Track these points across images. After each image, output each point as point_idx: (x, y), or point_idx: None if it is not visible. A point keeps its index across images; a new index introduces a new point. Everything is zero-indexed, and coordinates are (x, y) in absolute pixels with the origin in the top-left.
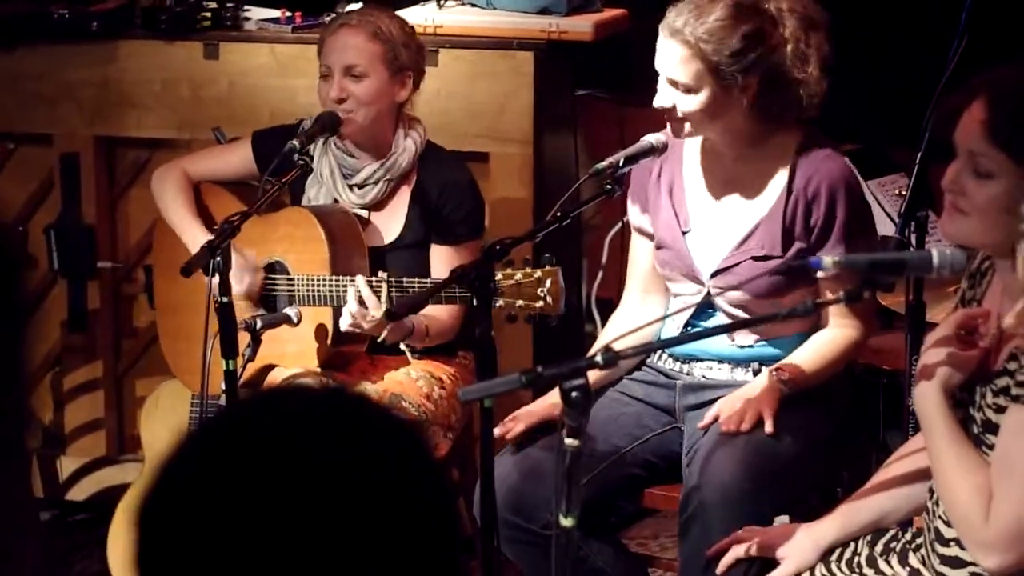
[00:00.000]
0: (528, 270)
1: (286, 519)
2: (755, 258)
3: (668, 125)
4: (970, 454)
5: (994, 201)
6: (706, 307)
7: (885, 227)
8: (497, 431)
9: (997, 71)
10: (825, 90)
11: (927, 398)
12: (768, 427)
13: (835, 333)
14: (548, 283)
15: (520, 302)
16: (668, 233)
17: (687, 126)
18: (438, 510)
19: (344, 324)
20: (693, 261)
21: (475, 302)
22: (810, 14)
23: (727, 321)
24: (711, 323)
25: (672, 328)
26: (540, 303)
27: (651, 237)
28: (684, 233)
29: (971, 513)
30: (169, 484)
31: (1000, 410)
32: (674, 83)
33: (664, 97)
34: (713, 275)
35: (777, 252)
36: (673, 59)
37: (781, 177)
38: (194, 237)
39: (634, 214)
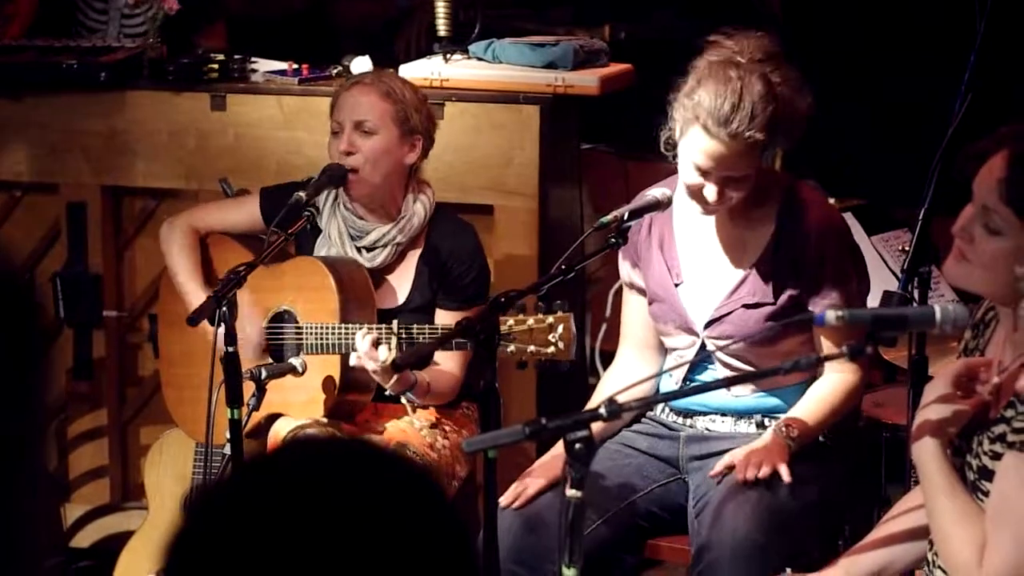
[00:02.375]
0: (540, 316)
1: (308, 567)
2: (747, 306)
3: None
4: (966, 505)
5: (999, 257)
6: (703, 359)
7: (888, 282)
8: (504, 501)
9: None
10: (811, 104)
11: (924, 449)
12: (785, 476)
13: (834, 380)
14: (560, 329)
15: (531, 347)
16: (661, 286)
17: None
18: (455, 552)
19: (352, 360)
20: (687, 313)
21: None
22: (767, 49)
23: (724, 371)
24: (708, 375)
25: (671, 384)
26: (551, 348)
27: (643, 292)
28: (676, 285)
29: (965, 563)
30: (194, 535)
31: (996, 457)
32: (730, 178)
33: (714, 191)
34: (707, 325)
35: (768, 299)
36: (731, 158)
37: (769, 224)
38: (194, 297)
39: (625, 269)
